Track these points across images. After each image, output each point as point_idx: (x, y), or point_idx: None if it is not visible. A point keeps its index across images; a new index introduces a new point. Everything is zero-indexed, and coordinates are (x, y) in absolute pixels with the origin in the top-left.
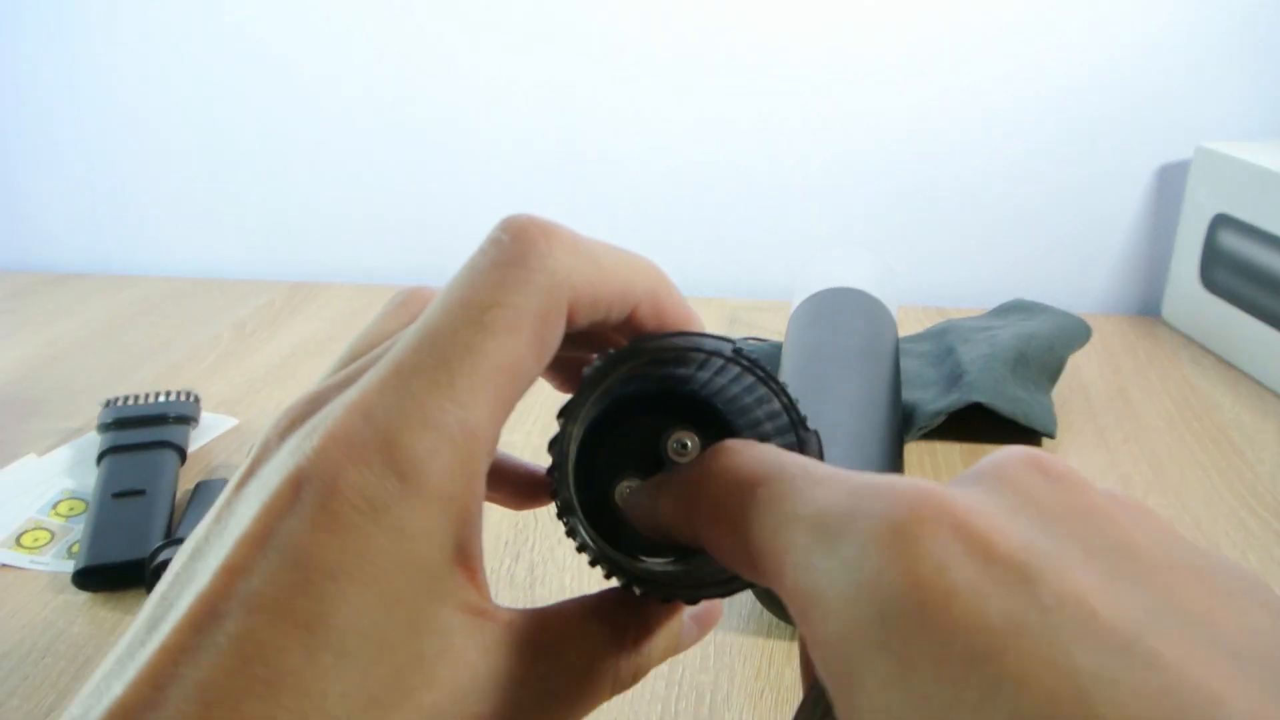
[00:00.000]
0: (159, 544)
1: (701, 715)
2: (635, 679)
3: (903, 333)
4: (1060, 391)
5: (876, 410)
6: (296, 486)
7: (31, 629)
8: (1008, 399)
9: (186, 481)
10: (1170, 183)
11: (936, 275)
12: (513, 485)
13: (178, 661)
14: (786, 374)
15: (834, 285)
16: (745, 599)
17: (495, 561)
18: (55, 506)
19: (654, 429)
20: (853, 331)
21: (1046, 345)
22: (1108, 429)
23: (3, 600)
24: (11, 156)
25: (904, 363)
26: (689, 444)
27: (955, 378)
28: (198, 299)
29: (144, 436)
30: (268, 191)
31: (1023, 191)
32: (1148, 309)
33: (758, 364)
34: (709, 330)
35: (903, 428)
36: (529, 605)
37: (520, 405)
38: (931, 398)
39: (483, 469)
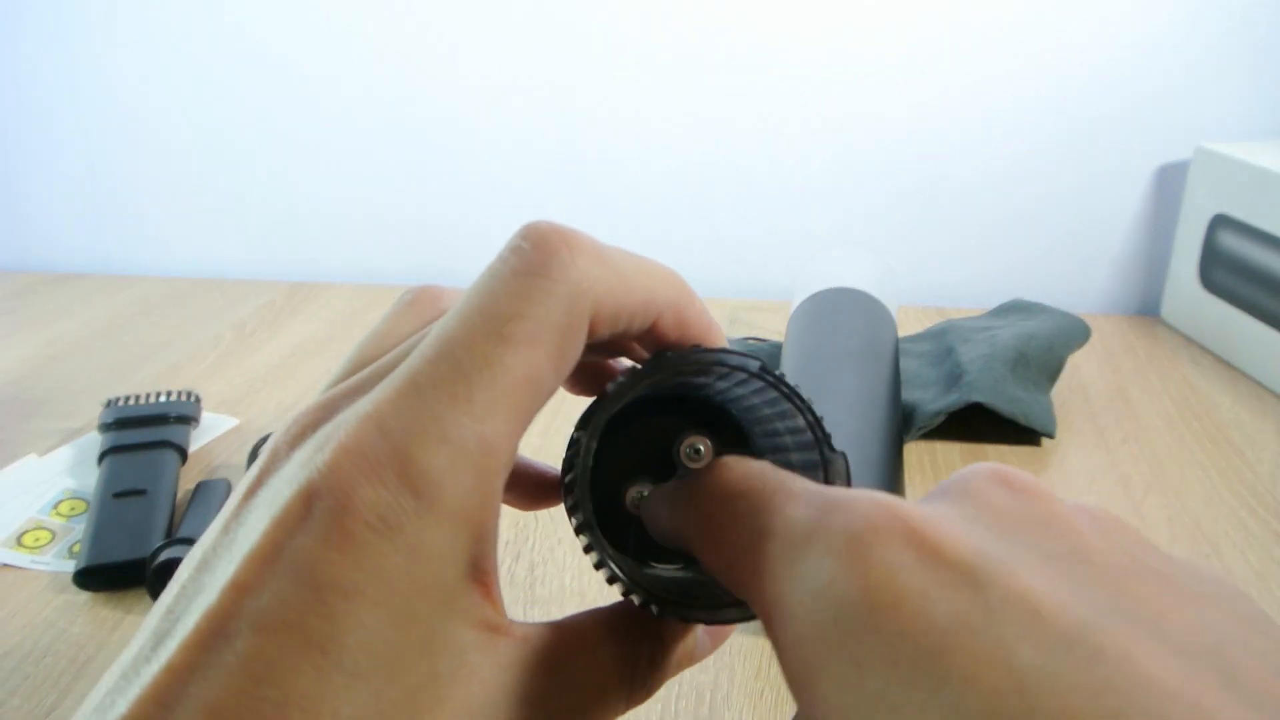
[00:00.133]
0: (160, 544)
1: (701, 715)
2: (650, 693)
3: (903, 333)
4: (1060, 391)
5: (876, 410)
6: (308, 502)
7: (32, 629)
8: (1007, 399)
9: (187, 481)
10: (1170, 183)
11: (936, 275)
12: (523, 487)
13: (185, 681)
14: (787, 374)
15: (834, 285)
16: None
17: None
18: (56, 506)
19: (667, 431)
20: (853, 331)
21: (1046, 345)
22: (1107, 429)
23: (3, 600)
24: (12, 157)
25: (904, 363)
26: (702, 449)
27: (955, 378)
28: (198, 299)
29: (145, 436)
30: (268, 191)
31: (1022, 191)
32: (1147, 309)
33: (783, 380)
34: (730, 339)
35: (903, 428)
36: (529, 605)
37: None
38: (931, 398)
39: (499, 485)
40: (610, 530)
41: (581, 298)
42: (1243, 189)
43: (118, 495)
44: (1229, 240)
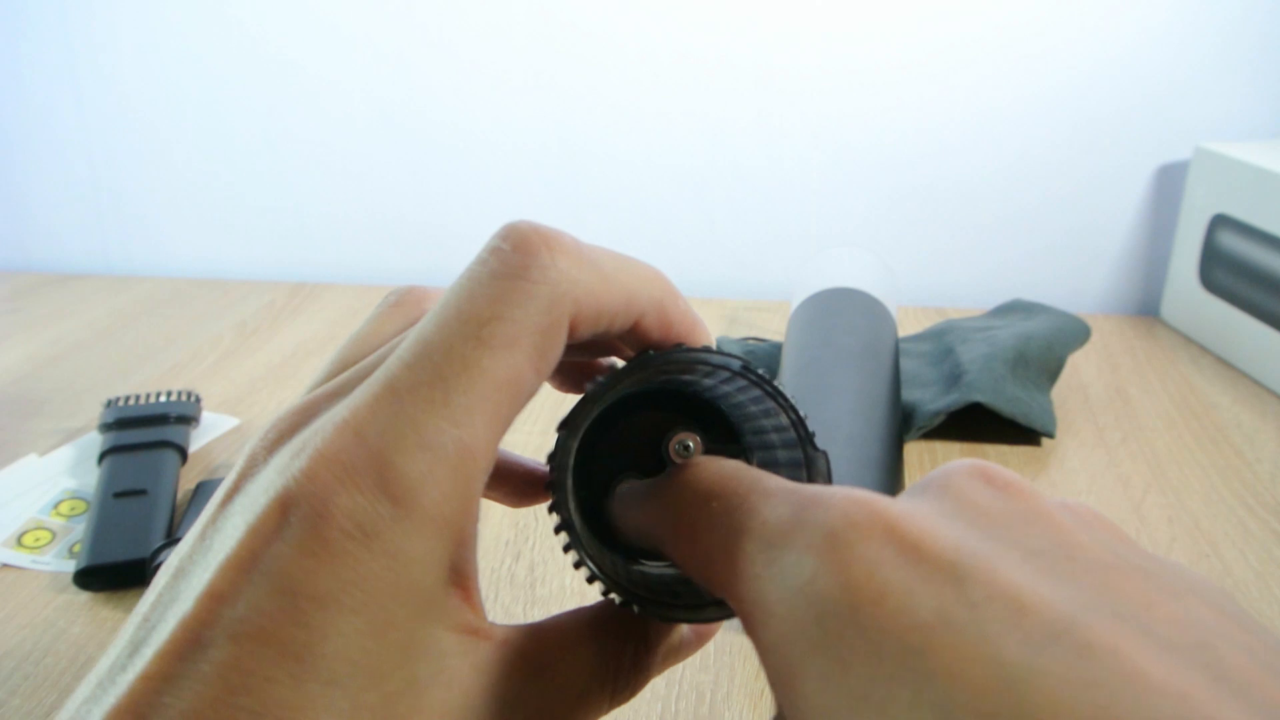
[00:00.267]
0: (160, 544)
1: (701, 715)
2: (634, 691)
3: (902, 333)
4: (1059, 391)
5: (876, 410)
6: (284, 509)
7: (32, 629)
8: (1007, 399)
9: (188, 481)
10: (1169, 183)
11: (936, 275)
12: (511, 483)
13: (160, 690)
14: (786, 374)
15: (834, 285)
16: None
17: (495, 561)
18: (56, 506)
19: (657, 427)
20: (853, 331)
21: (1046, 345)
22: (1107, 429)
23: (4, 600)
24: (14, 157)
25: (903, 363)
26: (691, 446)
27: (955, 378)
28: (199, 299)
29: (145, 436)
30: (269, 192)
31: (1022, 191)
32: (1147, 309)
33: (766, 379)
34: (715, 337)
35: (902, 428)
36: (529, 605)
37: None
38: (931, 398)
39: (479, 489)
40: (603, 529)
41: (561, 299)
42: (1243, 189)
43: (118, 495)
44: (1229, 240)
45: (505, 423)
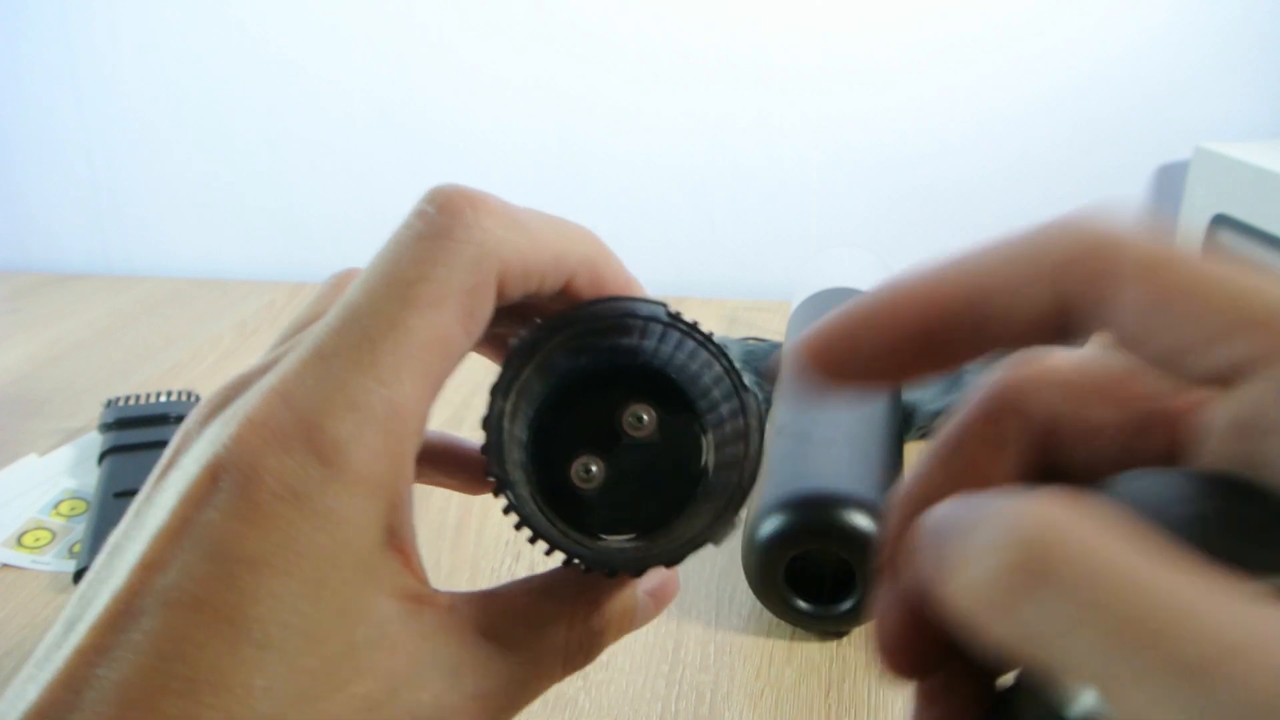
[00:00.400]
0: None
1: (701, 715)
2: (588, 657)
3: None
4: None
5: (876, 410)
6: (214, 476)
7: (33, 629)
8: None
9: None
10: (1169, 183)
11: None
12: (466, 469)
13: (93, 663)
14: (786, 374)
15: (834, 285)
16: (745, 599)
17: (495, 561)
18: (57, 506)
19: (610, 405)
20: None
21: None
22: None
23: (4, 600)
24: (14, 157)
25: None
26: (645, 418)
27: (955, 378)
28: (199, 299)
29: (145, 436)
30: (269, 192)
31: (1023, 191)
32: None
33: (696, 328)
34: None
35: (903, 428)
36: None
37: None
38: (931, 397)
39: (411, 449)
40: (565, 512)
41: (487, 257)
42: (1243, 189)
43: (118, 495)
44: (1229, 240)
45: (436, 383)
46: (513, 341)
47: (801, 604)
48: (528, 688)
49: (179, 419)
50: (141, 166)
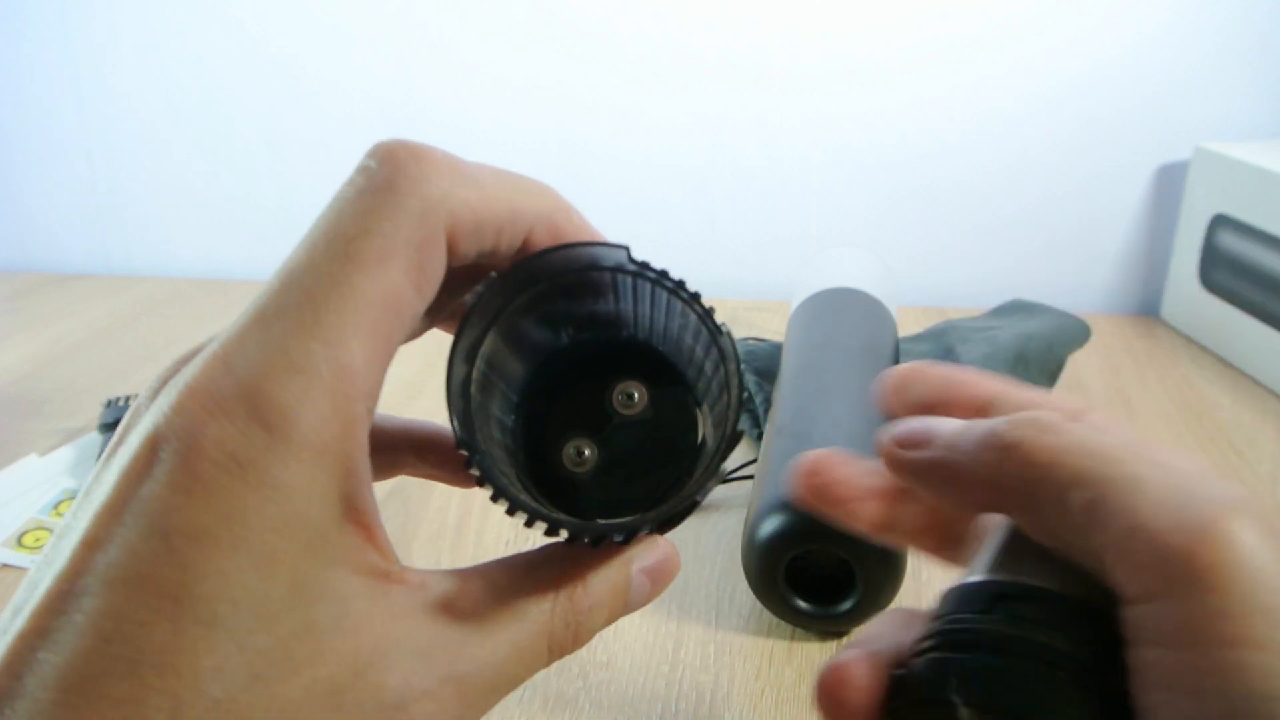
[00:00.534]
0: None
1: (701, 715)
2: (578, 640)
3: (903, 333)
4: (1060, 391)
5: (876, 410)
6: (154, 447)
7: None
8: None
9: None
10: (1169, 183)
11: (936, 275)
12: (455, 460)
13: (35, 646)
14: (786, 374)
15: (834, 285)
16: (745, 599)
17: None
18: (57, 506)
19: (598, 383)
20: (853, 331)
21: (1045, 345)
22: None
23: (4, 600)
24: (14, 157)
25: (904, 363)
26: (635, 395)
27: None
28: (199, 299)
29: None
30: (269, 192)
31: (1022, 191)
32: (1147, 309)
33: (666, 275)
34: (612, 242)
35: None
36: None
37: None
38: None
39: (362, 413)
40: (560, 498)
41: (433, 210)
42: (1243, 189)
43: None
44: (1229, 240)
45: (387, 343)
46: (469, 298)
47: (801, 604)
48: (508, 672)
49: None
50: (141, 166)
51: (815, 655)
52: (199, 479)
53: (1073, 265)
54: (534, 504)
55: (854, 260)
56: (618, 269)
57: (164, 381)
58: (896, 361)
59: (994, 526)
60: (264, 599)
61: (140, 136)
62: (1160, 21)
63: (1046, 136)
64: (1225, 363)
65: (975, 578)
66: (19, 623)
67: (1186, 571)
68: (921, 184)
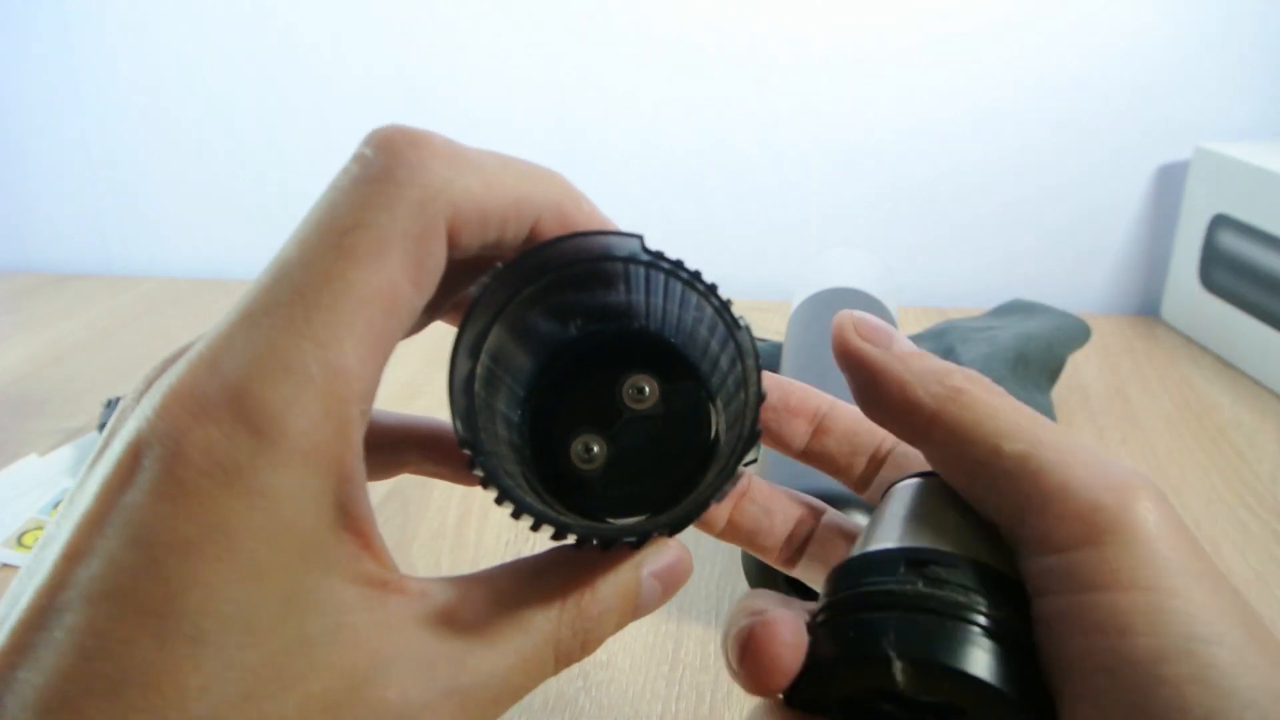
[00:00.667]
0: None
1: (701, 715)
2: (585, 649)
3: (903, 332)
4: (1059, 391)
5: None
6: (136, 454)
7: None
8: None
9: None
10: (1169, 183)
11: (936, 275)
12: (461, 457)
13: (14, 665)
14: (786, 374)
15: (834, 285)
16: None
17: (496, 561)
18: (57, 506)
19: (607, 375)
20: None
21: (1045, 345)
22: (1107, 429)
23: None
24: (14, 157)
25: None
26: (647, 389)
27: None
28: (200, 299)
29: None
30: (270, 192)
31: (1022, 192)
32: (1147, 309)
33: (681, 266)
34: (625, 231)
35: None
36: None
37: None
38: None
39: (356, 415)
40: (570, 498)
41: (433, 200)
42: (1243, 189)
43: None
44: (1229, 240)
45: (383, 342)
46: (472, 290)
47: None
48: (513, 683)
49: None
50: (141, 166)
51: None
52: (183, 487)
53: (1073, 265)
54: (540, 507)
55: (854, 260)
56: (631, 259)
57: (149, 383)
58: None
59: (877, 510)
60: (253, 612)
61: (140, 136)
62: (1160, 22)
63: (1047, 136)
64: (1225, 363)
65: (880, 546)
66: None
67: (1116, 523)
68: (922, 184)
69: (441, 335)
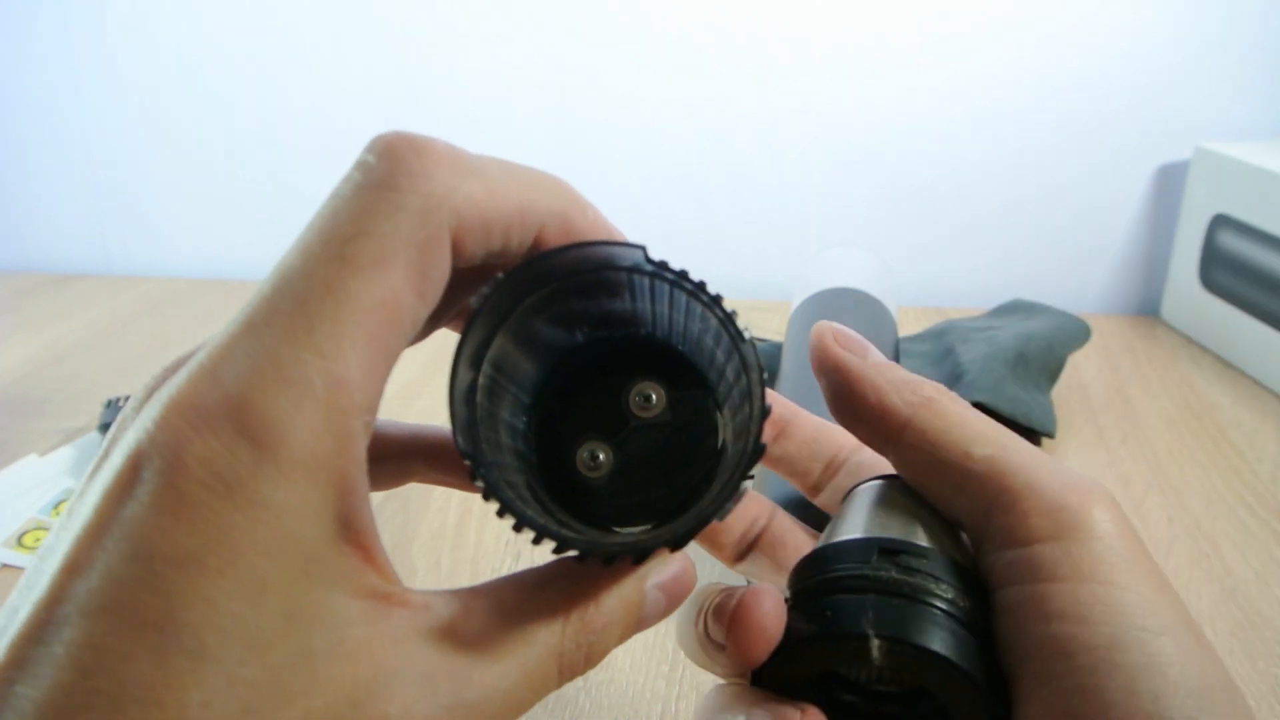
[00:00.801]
0: None
1: None
2: (589, 661)
3: (902, 333)
4: (1060, 391)
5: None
6: (136, 465)
7: None
8: (1007, 399)
9: None
10: (1169, 183)
11: (936, 276)
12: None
13: (12, 680)
14: (787, 374)
15: (834, 285)
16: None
17: (496, 561)
18: (57, 506)
19: (613, 383)
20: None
21: (1046, 345)
22: (1107, 429)
23: (4, 600)
24: (14, 157)
25: (903, 363)
26: (653, 396)
27: (955, 377)
28: (200, 299)
29: None
30: (270, 192)
31: (1022, 192)
32: (1147, 309)
33: (685, 276)
34: (628, 241)
35: None
36: None
37: None
38: None
39: (359, 427)
40: (575, 506)
41: (437, 209)
42: (1242, 189)
43: None
44: (1229, 240)
45: (386, 353)
46: (474, 300)
47: None
48: (516, 697)
49: None
50: (141, 166)
51: None
52: (183, 499)
53: (1073, 265)
54: (541, 521)
55: (854, 260)
56: (634, 269)
57: (150, 392)
58: (896, 361)
59: (843, 503)
60: (254, 627)
61: (140, 136)
62: (1160, 22)
63: (1047, 136)
64: (1225, 363)
65: (850, 536)
66: None
67: (1078, 521)
68: (922, 184)
69: (444, 337)
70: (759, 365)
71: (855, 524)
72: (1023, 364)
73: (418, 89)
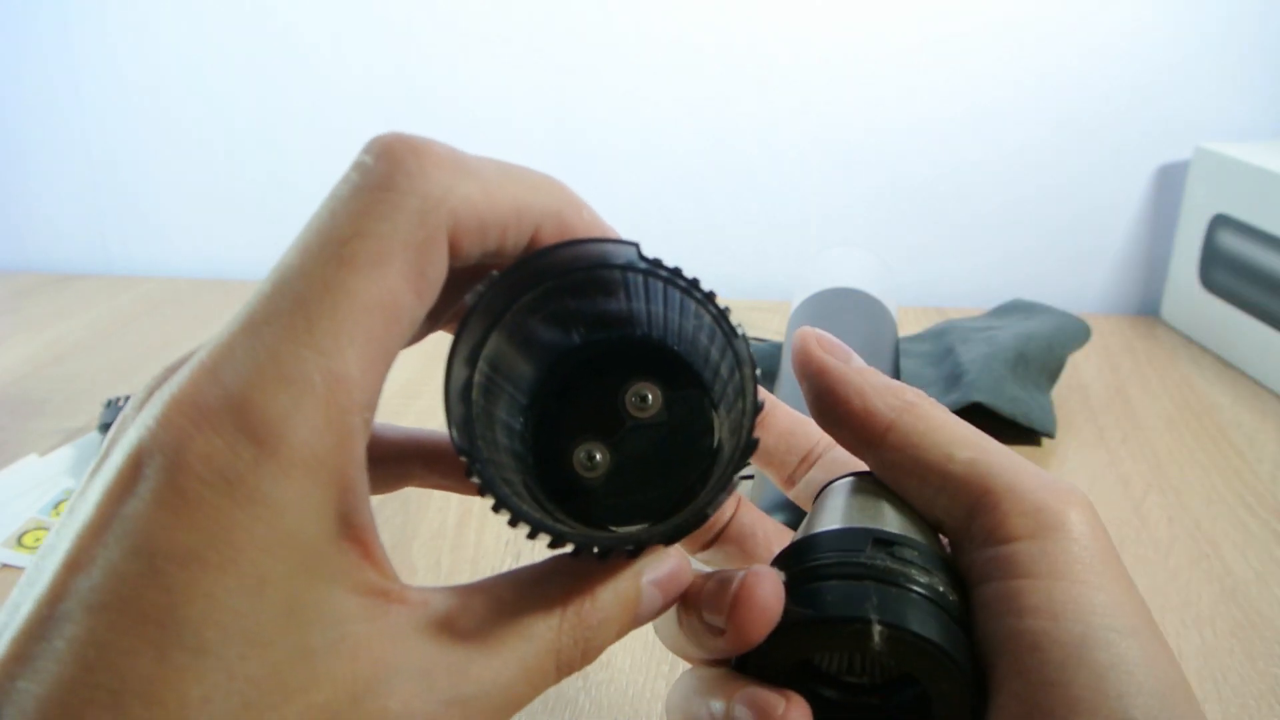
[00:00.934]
0: None
1: None
2: (586, 657)
3: (902, 333)
4: (1059, 391)
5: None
6: (138, 463)
7: None
8: (1007, 399)
9: None
10: (1169, 183)
11: (936, 276)
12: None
13: (14, 675)
14: (786, 374)
15: (834, 285)
16: None
17: (496, 562)
18: (57, 506)
19: (609, 383)
20: (853, 331)
21: (1046, 345)
22: (1107, 429)
23: (6, 598)
24: (14, 157)
25: (904, 363)
26: (650, 396)
27: (955, 377)
28: (200, 299)
29: None
30: (270, 192)
31: (1022, 192)
32: (1147, 309)
33: (679, 273)
34: (621, 239)
35: None
36: None
37: None
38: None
39: (358, 424)
40: (573, 507)
41: (435, 209)
42: (1242, 189)
43: None
44: (1229, 240)
45: (385, 351)
46: (469, 298)
47: None
48: (514, 692)
49: None
50: (141, 166)
51: None
52: (185, 496)
53: (1073, 265)
54: (537, 516)
55: (854, 260)
56: (627, 267)
57: (151, 391)
58: (897, 361)
59: (822, 497)
60: (254, 623)
61: (140, 136)
62: (1160, 22)
63: (1047, 136)
64: (1225, 363)
65: (837, 526)
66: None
67: (1057, 521)
68: (922, 184)
69: (443, 338)
70: (751, 361)
71: (840, 516)
72: (1023, 364)
73: (418, 89)
